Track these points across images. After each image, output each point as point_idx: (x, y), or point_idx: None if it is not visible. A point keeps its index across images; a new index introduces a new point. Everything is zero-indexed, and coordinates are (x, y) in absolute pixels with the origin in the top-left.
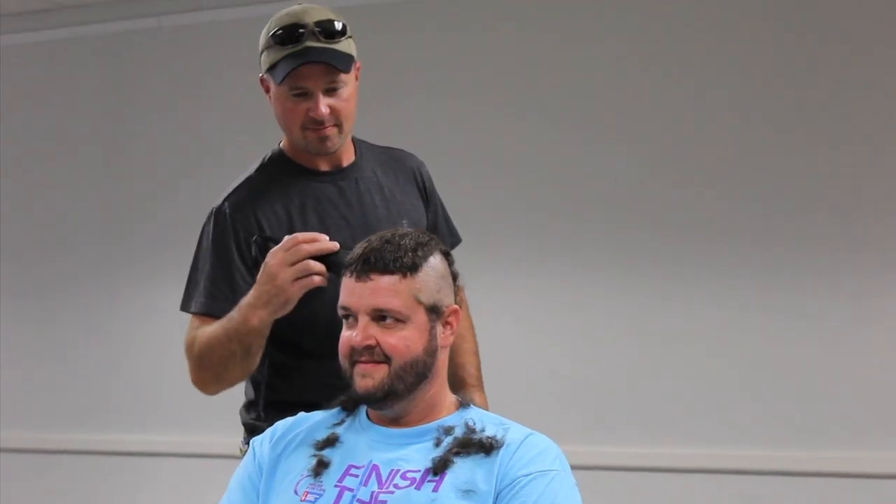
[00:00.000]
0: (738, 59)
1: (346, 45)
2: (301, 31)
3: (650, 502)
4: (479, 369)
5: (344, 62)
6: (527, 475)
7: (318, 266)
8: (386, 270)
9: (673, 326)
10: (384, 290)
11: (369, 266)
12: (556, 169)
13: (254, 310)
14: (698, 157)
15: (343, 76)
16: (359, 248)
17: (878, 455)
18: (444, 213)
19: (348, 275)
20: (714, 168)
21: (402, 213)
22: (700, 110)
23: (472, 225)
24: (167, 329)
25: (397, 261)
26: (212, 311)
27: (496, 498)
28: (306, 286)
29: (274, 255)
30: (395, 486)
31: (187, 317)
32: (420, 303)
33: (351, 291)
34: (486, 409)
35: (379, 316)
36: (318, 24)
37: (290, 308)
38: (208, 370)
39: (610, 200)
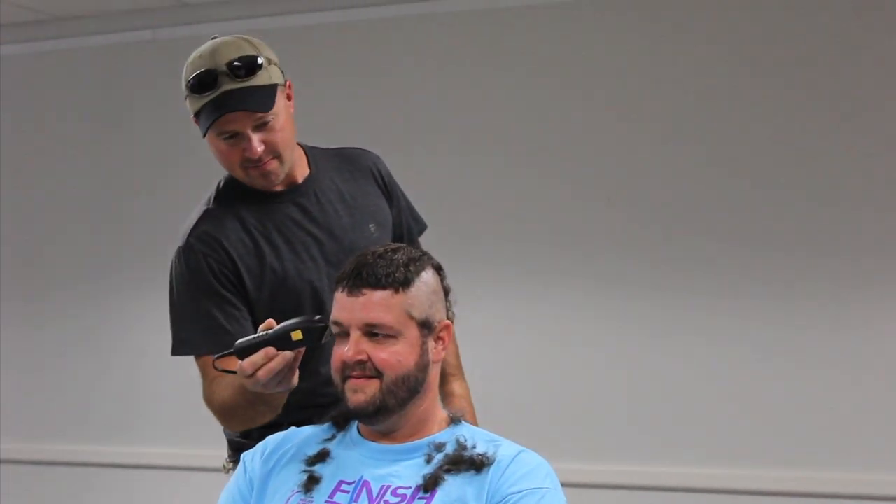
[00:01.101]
0: (719, 75)
1: (265, 77)
2: (214, 75)
3: None
4: (457, 357)
5: (264, 101)
6: (517, 493)
7: (276, 375)
8: (378, 285)
9: (666, 345)
10: (376, 305)
11: (361, 281)
12: (545, 185)
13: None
14: (693, 167)
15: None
16: (350, 264)
17: (870, 477)
18: (407, 204)
19: (340, 290)
20: (712, 179)
21: (367, 217)
22: (690, 130)
23: (461, 239)
24: (154, 339)
25: (389, 276)
26: (215, 349)
27: None
28: (287, 384)
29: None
30: (386, 502)
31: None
32: (412, 318)
33: (343, 306)
34: (467, 395)
35: (371, 331)
36: (230, 63)
37: (296, 381)
38: (237, 424)
39: (601, 218)
